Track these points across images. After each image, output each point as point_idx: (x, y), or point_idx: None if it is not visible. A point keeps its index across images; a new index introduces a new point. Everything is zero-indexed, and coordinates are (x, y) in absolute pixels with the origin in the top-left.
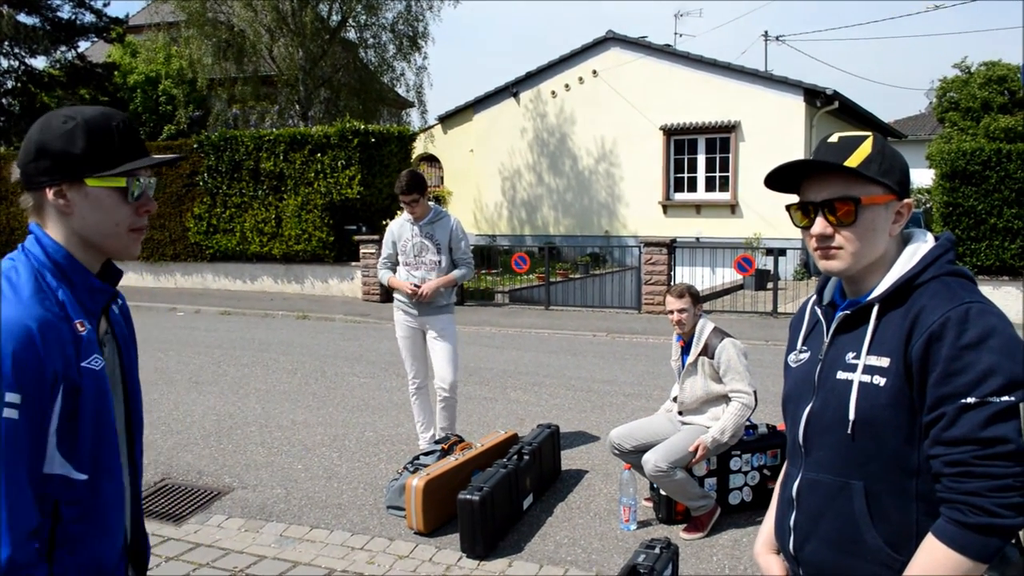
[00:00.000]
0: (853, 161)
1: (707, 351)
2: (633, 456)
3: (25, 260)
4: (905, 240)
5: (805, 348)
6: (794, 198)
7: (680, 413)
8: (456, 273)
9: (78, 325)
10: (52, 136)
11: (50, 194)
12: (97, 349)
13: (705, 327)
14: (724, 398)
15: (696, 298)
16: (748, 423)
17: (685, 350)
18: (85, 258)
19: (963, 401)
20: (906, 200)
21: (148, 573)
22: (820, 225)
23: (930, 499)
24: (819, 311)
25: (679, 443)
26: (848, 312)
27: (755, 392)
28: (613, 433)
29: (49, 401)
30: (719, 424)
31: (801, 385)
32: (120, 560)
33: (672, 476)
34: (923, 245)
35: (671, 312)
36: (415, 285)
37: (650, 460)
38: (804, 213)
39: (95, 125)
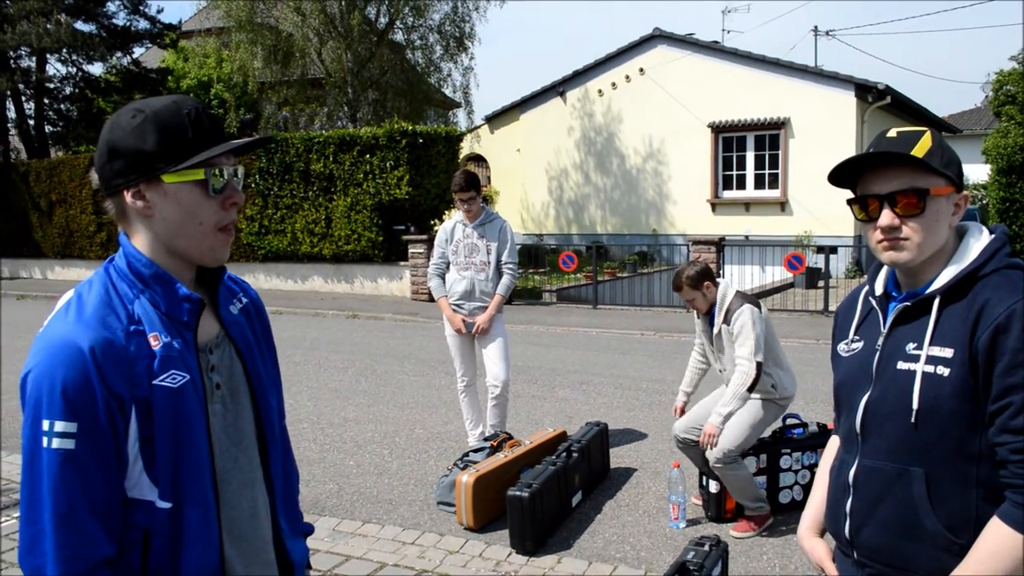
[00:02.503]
0: (918, 152)
1: (727, 318)
2: (698, 450)
3: (103, 274)
4: (959, 233)
5: (858, 338)
6: (840, 194)
7: (727, 385)
8: (501, 289)
9: (151, 339)
10: (122, 133)
11: (128, 196)
12: (178, 364)
13: (727, 293)
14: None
15: (696, 280)
16: (797, 420)
17: (710, 320)
18: (171, 265)
19: None
20: (964, 192)
21: None
22: (888, 217)
23: (990, 485)
24: (873, 301)
25: (733, 426)
26: (908, 304)
27: (759, 363)
28: (676, 426)
29: (118, 425)
30: (719, 406)
31: (856, 374)
32: None
33: (738, 467)
34: (982, 238)
35: None
36: (466, 319)
37: (713, 452)
38: (862, 206)
39: (165, 116)
